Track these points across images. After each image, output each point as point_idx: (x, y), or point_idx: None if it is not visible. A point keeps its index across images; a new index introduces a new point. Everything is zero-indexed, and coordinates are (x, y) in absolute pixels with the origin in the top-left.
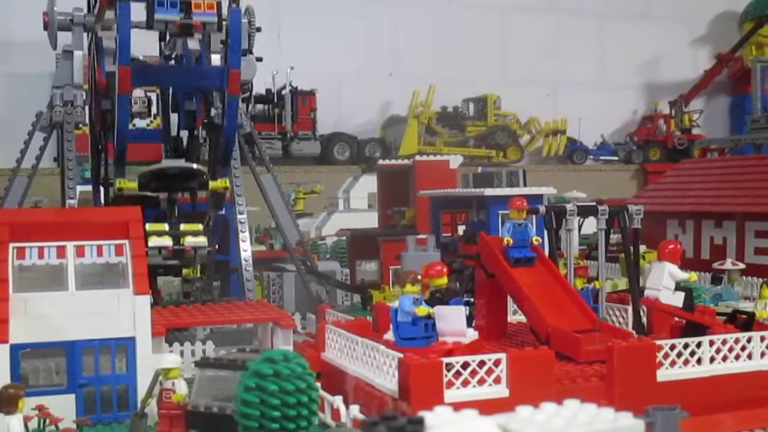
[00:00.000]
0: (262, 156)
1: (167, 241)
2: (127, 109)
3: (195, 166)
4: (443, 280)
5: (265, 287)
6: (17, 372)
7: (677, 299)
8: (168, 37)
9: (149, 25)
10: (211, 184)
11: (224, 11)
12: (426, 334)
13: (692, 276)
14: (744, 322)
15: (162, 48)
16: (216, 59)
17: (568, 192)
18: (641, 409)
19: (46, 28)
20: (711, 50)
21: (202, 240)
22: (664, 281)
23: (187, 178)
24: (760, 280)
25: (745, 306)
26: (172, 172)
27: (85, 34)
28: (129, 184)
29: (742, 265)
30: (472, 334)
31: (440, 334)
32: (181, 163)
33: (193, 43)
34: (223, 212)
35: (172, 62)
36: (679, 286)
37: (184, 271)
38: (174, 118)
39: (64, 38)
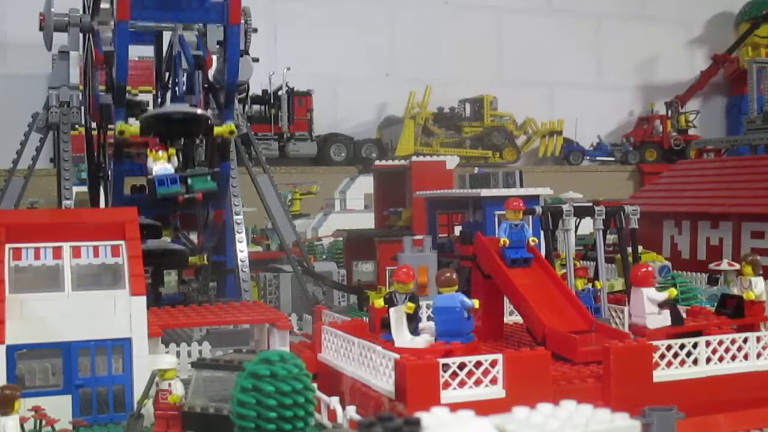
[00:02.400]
0: (259, 157)
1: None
2: (127, 40)
3: (199, 111)
4: (407, 287)
5: (262, 288)
6: (13, 373)
7: (664, 319)
8: None
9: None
10: (216, 129)
11: None
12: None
13: (671, 292)
14: (735, 306)
15: None
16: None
17: (565, 193)
18: (638, 409)
19: (42, 28)
20: (707, 51)
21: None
22: (646, 309)
23: (192, 123)
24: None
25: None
26: (176, 117)
27: (81, 35)
28: (131, 129)
29: (738, 266)
30: (417, 341)
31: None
32: (185, 107)
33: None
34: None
35: None
36: (663, 304)
37: (191, 259)
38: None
39: (59, 40)
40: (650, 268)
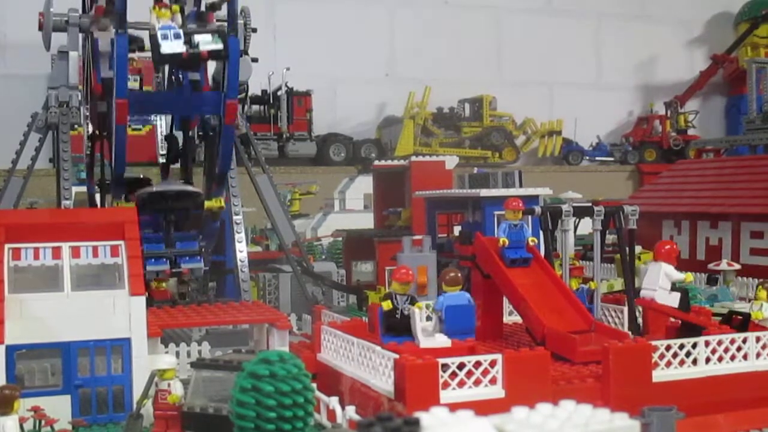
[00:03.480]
0: (258, 157)
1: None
2: (125, 140)
3: (191, 188)
4: (407, 287)
5: (261, 288)
6: (13, 373)
7: (673, 299)
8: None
9: (155, 59)
10: (207, 204)
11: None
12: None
13: (688, 276)
14: (739, 323)
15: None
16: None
17: (564, 193)
18: (637, 409)
19: (41, 28)
20: (706, 51)
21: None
22: (660, 282)
23: (184, 199)
24: (756, 280)
25: (741, 307)
26: (169, 194)
27: (80, 35)
28: (127, 206)
29: (737, 266)
30: (439, 341)
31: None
32: (178, 184)
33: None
34: (217, 224)
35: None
36: (675, 287)
37: (207, 204)
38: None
39: (58, 40)
40: (676, 246)
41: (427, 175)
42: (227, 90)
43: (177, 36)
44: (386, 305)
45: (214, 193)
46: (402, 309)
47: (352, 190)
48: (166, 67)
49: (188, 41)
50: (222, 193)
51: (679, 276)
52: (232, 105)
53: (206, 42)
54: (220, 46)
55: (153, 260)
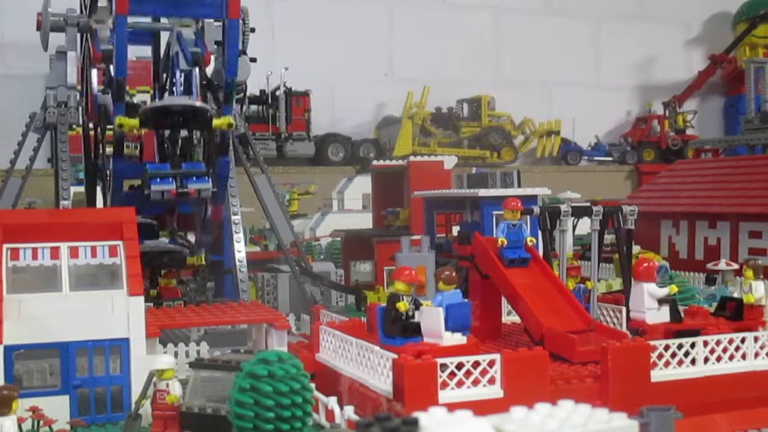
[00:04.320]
0: (257, 157)
1: (170, 186)
2: (125, 34)
3: (198, 103)
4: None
5: (260, 288)
6: (11, 373)
7: (663, 315)
8: None
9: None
10: (215, 122)
11: None
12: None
13: (672, 288)
14: (734, 309)
15: None
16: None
17: (563, 193)
18: (635, 409)
19: (39, 28)
20: (705, 51)
21: (206, 185)
22: (646, 303)
23: (190, 116)
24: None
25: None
26: (175, 109)
27: (78, 35)
28: (130, 121)
29: (735, 266)
30: (456, 338)
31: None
32: (184, 99)
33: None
34: (227, 159)
35: None
36: (663, 300)
37: (189, 260)
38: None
39: (56, 40)
40: (653, 263)
41: (426, 175)
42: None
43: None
44: (402, 306)
45: (223, 111)
46: (407, 310)
47: (350, 190)
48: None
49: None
50: (229, 111)
51: (662, 292)
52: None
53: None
54: (208, 185)
55: (158, 180)
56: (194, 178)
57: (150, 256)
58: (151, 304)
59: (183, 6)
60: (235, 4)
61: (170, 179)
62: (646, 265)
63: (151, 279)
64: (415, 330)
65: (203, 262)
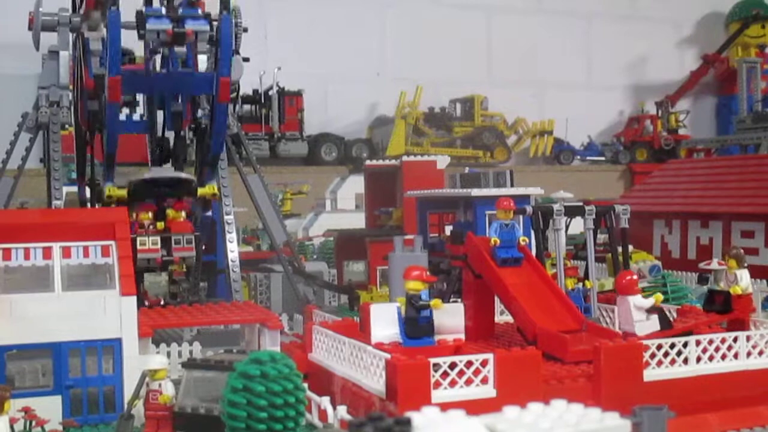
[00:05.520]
0: (249, 157)
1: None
2: (117, 118)
3: (183, 174)
4: (415, 285)
5: (252, 288)
6: (3, 373)
7: (653, 325)
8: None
9: (140, 35)
10: (200, 190)
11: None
12: None
13: (657, 297)
14: (722, 301)
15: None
16: (202, 60)
17: (555, 192)
18: (628, 409)
19: (31, 28)
20: (697, 51)
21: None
22: (634, 317)
23: (176, 186)
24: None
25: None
26: (161, 181)
27: (70, 35)
28: (118, 192)
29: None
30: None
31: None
32: (170, 171)
33: (180, 48)
34: (210, 213)
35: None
36: (651, 309)
37: (200, 191)
38: (160, 116)
39: (48, 39)
40: (634, 276)
41: (419, 175)
42: (220, 67)
43: (163, 16)
44: (436, 304)
45: (207, 179)
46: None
47: (343, 190)
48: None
49: (175, 20)
50: (214, 180)
51: (648, 303)
52: (225, 82)
53: (180, 246)
54: (206, 26)
55: (153, 18)
56: (191, 19)
57: (160, 185)
58: (158, 239)
59: (175, 86)
60: (225, 88)
61: (167, 19)
62: (628, 278)
63: (157, 211)
64: (428, 331)
65: (215, 191)
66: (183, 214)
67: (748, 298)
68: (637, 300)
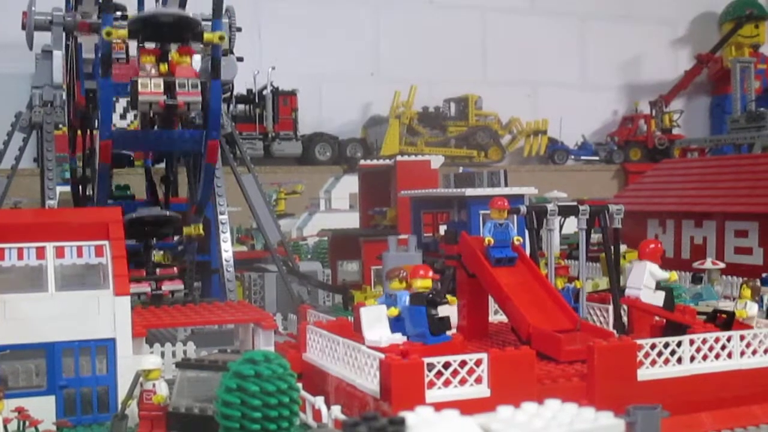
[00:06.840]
0: (243, 156)
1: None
2: (108, 179)
3: (168, 213)
4: (426, 283)
5: (246, 288)
6: None
7: (658, 298)
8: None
9: (134, 105)
10: (185, 230)
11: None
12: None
13: (672, 275)
14: (724, 321)
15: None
16: (196, 60)
17: (549, 192)
18: (622, 408)
19: (24, 27)
20: (691, 51)
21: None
22: (644, 280)
23: (163, 225)
24: (740, 279)
25: (726, 305)
26: (148, 219)
27: (64, 34)
28: (119, 32)
29: (722, 265)
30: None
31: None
32: (156, 210)
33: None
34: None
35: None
36: (659, 286)
37: (186, 230)
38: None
39: (42, 39)
40: (660, 245)
41: (413, 175)
42: (209, 130)
43: (156, 85)
44: (452, 300)
45: (192, 220)
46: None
47: (337, 190)
48: None
49: (167, 89)
50: (200, 221)
51: (663, 275)
52: (213, 145)
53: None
54: (198, 98)
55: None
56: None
57: (145, 224)
58: (161, 81)
59: (165, 144)
60: (213, 151)
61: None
62: (652, 246)
63: (160, 55)
64: (444, 328)
65: (200, 233)
66: (188, 59)
67: (749, 327)
68: (654, 267)
